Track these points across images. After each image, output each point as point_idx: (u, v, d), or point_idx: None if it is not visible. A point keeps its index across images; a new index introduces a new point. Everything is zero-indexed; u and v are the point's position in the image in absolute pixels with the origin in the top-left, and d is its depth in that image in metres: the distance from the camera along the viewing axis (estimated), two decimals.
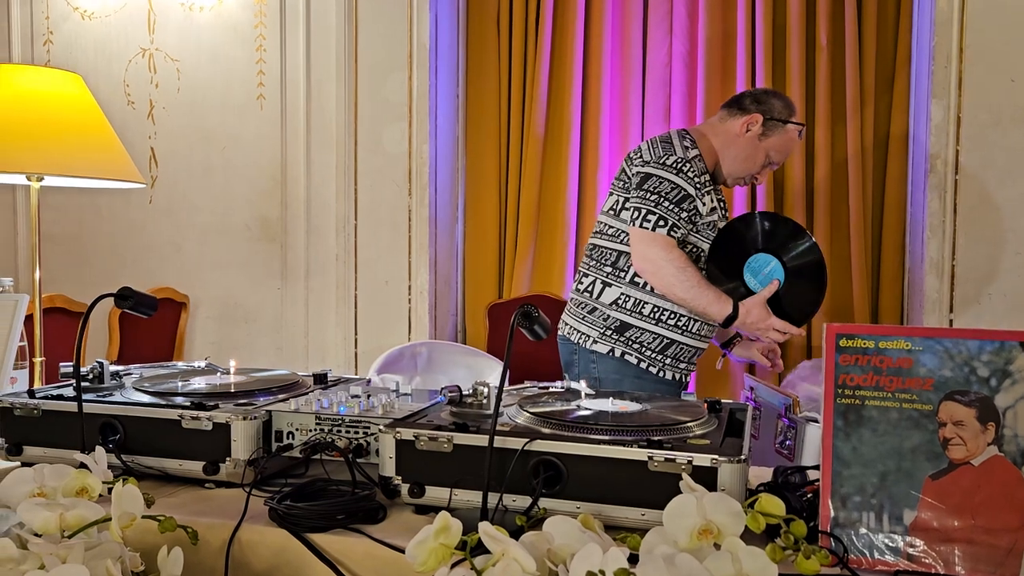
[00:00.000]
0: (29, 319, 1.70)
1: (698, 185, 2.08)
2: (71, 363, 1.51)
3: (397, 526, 1.14)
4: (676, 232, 2.06)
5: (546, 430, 1.19)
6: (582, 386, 1.42)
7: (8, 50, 3.92)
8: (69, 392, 1.40)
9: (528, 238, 3.53)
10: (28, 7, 3.90)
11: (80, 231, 3.91)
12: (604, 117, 3.45)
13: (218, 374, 1.57)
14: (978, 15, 2.90)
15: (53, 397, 1.38)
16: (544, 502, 1.11)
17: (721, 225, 2.18)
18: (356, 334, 3.62)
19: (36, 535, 0.93)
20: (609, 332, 2.15)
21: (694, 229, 2.12)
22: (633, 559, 0.85)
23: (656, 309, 2.13)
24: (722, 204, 2.23)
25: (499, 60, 3.56)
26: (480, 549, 0.93)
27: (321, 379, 1.55)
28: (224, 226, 3.77)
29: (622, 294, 2.15)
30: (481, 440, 1.15)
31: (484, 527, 0.89)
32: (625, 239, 2.13)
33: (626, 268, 2.15)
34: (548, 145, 3.50)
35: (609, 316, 2.15)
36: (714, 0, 3.29)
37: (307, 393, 1.44)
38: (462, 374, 3.14)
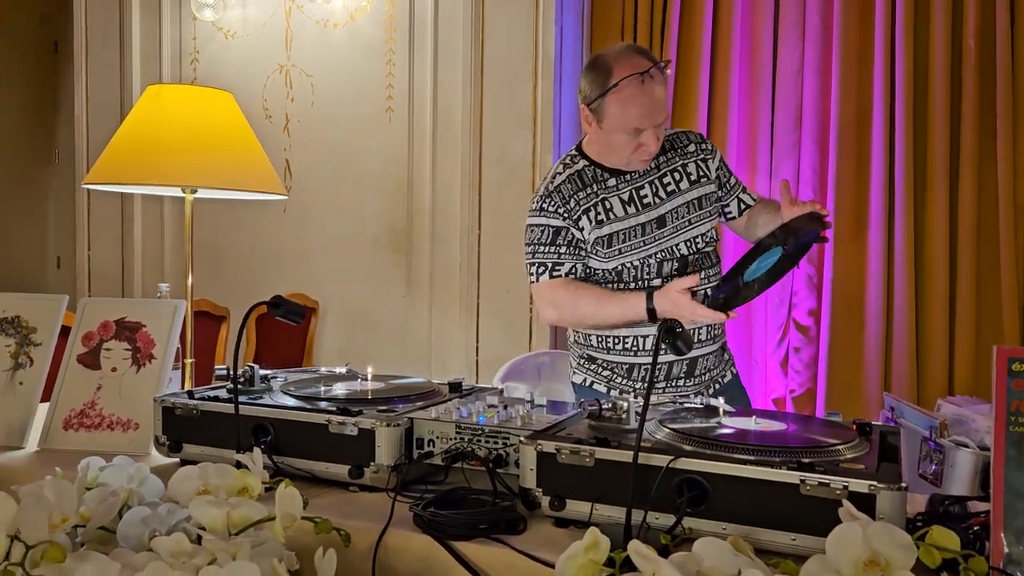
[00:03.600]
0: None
1: (565, 214, 1.91)
2: (224, 366, 1.60)
3: (537, 538, 1.14)
4: (560, 269, 1.93)
5: (688, 447, 1.16)
6: (720, 403, 1.39)
7: (159, 69, 4.19)
8: (223, 394, 1.48)
9: None
10: (178, 29, 4.16)
11: (217, 238, 4.12)
12: (732, 126, 3.36)
13: (358, 380, 1.62)
14: None
15: (210, 398, 1.46)
16: (687, 521, 1.09)
17: (642, 220, 1.92)
18: (478, 342, 3.67)
19: (201, 529, 0.98)
20: (583, 362, 2.06)
21: (598, 247, 1.92)
22: None
23: (602, 338, 2.00)
24: (637, 194, 1.93)
25: None
26: (626, 566, 0.92)
27: (456, 388, 1.58)
28: (352, 235, 3.90)
29: (573, 329, 2.07)
30: (623, 455, 1.13)
31: (635, 545, 0.88)
32: None
33: None
34: None
35: (577, 348, 2.07)
36: (850, 2, 3.16)
37: (445, 402, 1.47)
38: None
